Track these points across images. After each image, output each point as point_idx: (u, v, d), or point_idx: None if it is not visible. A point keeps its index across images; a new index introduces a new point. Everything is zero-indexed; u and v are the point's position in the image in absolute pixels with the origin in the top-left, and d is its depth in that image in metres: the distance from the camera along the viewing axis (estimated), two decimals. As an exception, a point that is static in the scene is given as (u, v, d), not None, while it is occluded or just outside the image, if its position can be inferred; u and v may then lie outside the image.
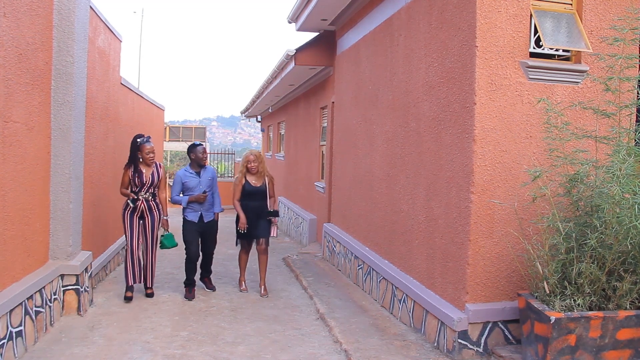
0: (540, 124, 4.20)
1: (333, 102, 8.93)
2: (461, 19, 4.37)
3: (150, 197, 6.03)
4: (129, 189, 6.02)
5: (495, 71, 4.20)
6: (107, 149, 7.18)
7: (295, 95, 12.97)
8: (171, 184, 6.92)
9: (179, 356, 4.41)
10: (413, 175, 5.29)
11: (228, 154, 23.29)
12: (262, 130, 21.70)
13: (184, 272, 6.36)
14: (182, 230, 6.34)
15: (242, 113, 21.14)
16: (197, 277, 6.47)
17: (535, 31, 4.32)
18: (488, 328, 4.25)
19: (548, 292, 3.82)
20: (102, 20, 6.67)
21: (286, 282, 7.16)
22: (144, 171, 5.97)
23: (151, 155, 5.98)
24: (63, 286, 5.15)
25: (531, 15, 4.30)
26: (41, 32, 4.76)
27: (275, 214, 6.41)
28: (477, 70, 4.16)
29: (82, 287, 5.26)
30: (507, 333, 4.29)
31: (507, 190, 4.25)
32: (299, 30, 8.94)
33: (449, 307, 4.43)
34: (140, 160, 5.96)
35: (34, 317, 4.42)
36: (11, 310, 3.98)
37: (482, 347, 4.24)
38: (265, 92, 13.28)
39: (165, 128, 30.16)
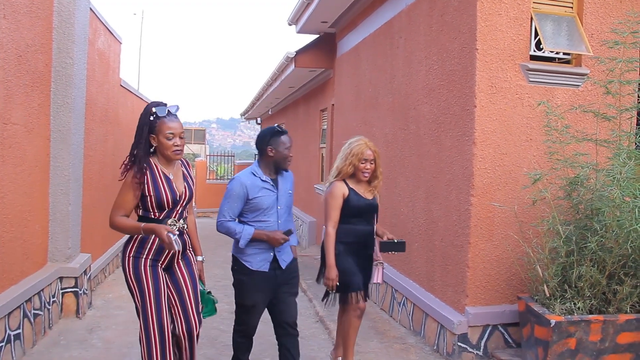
0: (541, 126, 4.20)
1: (333, 105, 8.94)
2: (462, 22, 4.37)
3: (185, 227, 3.11)
4: (140, 216, 3.00)
5: (496, 74, 4.20)
6: (107, 151, 7.17)
7: (295, 97, 12.98)
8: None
9: (178, 359, 4.39)
10: (413, 177, 5.28)
11: (228, 156, 23.34)
12: (262, 132, 21.70)
13: (232, 348, 3.74)
14: (238, 286, 3.55)
15: (241, 115, 21.16)
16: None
17: (536, 34, 4.32)
18: (488, 331, 4.24)
19: (548, 295, 3.81)
20: (101, 22, 6.67)
21: (286, 285, 7.13)
22: (170, 176, 3.00)
23: (178, 143, 2.95)
24: (62, 289, 5.13)
25: (532, 18, 4.30)
26: (41, 34, 4.75)
27: (400, 247, 3.74)
28: (477, 73, 4.16)
29: (80, 290, 5.25)
30: (507, 336, 4.28)
31: (507, 193, 4.25)
32: (299, 32, 8.95)
33: (448, 310, 4.42)
34: (152, 151, 2.99)
35: (32, 320, 4.41)
36: (9, 313, 3.96)
37: (481, 350, 4.23)
38: (265, 94, 13.29)
39: (165, 130, 29.90)
